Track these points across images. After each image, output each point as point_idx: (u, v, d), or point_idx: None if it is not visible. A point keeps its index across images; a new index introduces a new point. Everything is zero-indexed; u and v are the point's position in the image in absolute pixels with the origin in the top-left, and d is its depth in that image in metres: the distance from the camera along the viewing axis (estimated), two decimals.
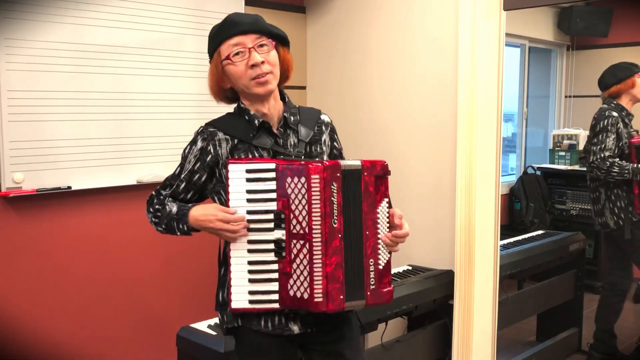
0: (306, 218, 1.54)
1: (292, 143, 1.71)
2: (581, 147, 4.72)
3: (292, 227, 1.56)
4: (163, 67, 3.00)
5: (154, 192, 1.77)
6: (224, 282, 1.71)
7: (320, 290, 1.53)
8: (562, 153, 4.77)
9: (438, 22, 3.01)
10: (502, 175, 2.95)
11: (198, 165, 1.70)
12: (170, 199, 1.73)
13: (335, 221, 1.55)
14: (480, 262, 2.85)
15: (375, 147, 3.32)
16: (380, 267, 1.63)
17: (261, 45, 1.64)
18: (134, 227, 3.03)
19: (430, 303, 2.84)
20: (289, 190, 1.55)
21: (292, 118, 1.73)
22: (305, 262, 1.55)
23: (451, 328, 2.92)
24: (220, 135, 1.69)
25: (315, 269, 1.53)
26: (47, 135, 2.67)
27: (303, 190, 1.54)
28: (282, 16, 3.53)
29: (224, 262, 1.69)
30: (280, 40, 1.71)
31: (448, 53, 2.96)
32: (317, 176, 1.53)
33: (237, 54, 1.63)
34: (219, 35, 1.67)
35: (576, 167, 4.71)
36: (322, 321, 1.70)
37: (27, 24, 2.59)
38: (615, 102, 3.42)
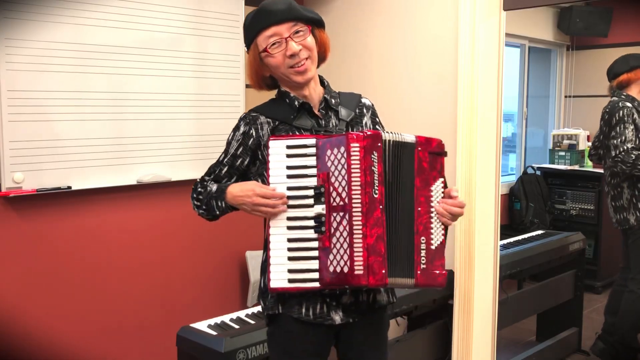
0: (346, 188, 1.49)
1: (334, 124, 1.70)
2: (581, 147, 4.72)
3: (332, 200, 1.51)
4: (163, 67, 3.00)
5: (197, 179, 1.75)
6: (265, 267, 1.66)
7: (360, 263, 1.46)
8: (562, 153, 4.77)
9: (438, 22, 3.01)
10: (502, 175, 2.94)
11: (241, 149, 1.69)
12: (212, 182, 1.72)
13: (377, 191, 1.49)
14: (480, 262, 2.85)
15: None
16: (433, 247, 1.57)
17: (297, 32, 1.63)
18: (134, 227, 3.03)
19: (430, 303, 2.84)
20: (329, 164, 1.52)
21: (332, 100, 1.73)
22: (345, 234, 1.48)
23: (451, 328, 2.92)
24: (262, 118, 1.69)
25: (355, 240, 1.47)
26: (47, 135, 2.67)
27: (343, 160, 1.49)
28: None
29: (265, 246, 1.65)
30: (316, 24, 1.71)
31: (448, 53, 2.96)
32: (357, 145, 1.48)
33: (274, 44, 1.62)
34: (255, 25, 1.65)
35: (576, 167, 4.71)
36: (363, 312, 1.67)
37: (27, 24, 2.59)
38: (625, 93, 3.30)
